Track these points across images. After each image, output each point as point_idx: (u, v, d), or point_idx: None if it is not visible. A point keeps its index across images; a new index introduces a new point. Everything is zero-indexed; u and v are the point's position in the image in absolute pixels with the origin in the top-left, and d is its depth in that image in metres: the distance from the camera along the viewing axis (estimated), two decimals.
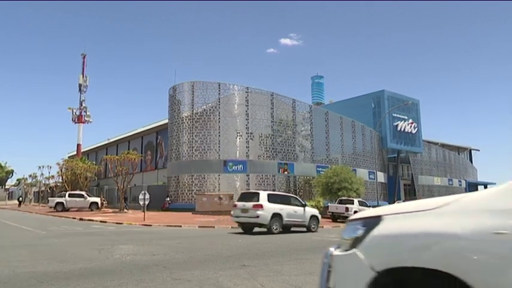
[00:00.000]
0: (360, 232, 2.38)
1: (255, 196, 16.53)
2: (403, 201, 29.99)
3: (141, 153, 46.97)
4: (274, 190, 34.40)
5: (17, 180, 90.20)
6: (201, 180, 33.97)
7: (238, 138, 34.66)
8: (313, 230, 18.00)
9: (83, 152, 60.44)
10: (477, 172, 67.71)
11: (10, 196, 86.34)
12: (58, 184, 52.38)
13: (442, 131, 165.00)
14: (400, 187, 50.55)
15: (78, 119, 56.65)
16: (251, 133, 34.85)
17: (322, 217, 29.34)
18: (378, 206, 25.18)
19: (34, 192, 69.11)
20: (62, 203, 35.17)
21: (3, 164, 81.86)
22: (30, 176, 64.65)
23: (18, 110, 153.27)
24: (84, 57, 57.71)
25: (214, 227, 19.89)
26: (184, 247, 10.51)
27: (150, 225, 20.18)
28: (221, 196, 31.09)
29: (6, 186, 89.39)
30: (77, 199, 35.52)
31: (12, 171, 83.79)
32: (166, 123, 39.13)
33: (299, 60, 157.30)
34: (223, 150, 34.15)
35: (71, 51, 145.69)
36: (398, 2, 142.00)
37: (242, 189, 33.07)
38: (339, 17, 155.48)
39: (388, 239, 2.25)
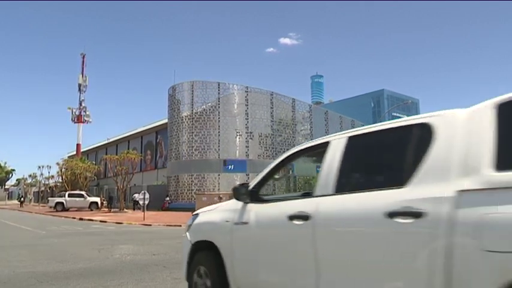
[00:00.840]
0: (190, 221, 4.37)
1: None
2: None
3: (141, 152, 46.93)
4: (274, 190, 34.45)
5: (17, 180, 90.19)
6: (201, 180, 33.97)
7: (237, 138, 34.66)
8: None
9: (83, 151, 60.42)
10: None
11: (10, 196, 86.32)
12: (58, 184, 52.39)
13: None
14: None
15: (78, 119, 56.64)
16: (251, 132, 34.85)
17: None
18: None
19: (34, 192, 69.08)
20: (62, 202, 35.17)
21: (2, 164, 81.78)
22: (29, 176, 64.72)
23: (18, 110, 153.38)
24: (84, 57, 57.77)
25: None
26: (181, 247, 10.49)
27: (150, 225, 20.17)
28: (221, 196, 31.03)
29: (6, 186, 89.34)
30: (77, 199, 35.53)
31: (12, 171, 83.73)
32: (166, 123, 39.11)
33: (299, 60, 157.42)
34: (223, 149, 34.15)
35: (71, 51, 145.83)
36: (398, 2, 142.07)
37: None
38: (339, 17, 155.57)
39: (197, 225, 4.22)
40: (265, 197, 3.79)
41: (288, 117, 37.12)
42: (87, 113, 56.98)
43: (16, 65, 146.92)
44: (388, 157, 2.87)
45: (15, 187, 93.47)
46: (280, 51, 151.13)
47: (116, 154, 41.13)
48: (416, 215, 2.21)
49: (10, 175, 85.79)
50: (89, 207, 34.96)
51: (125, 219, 23.51)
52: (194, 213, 4.52)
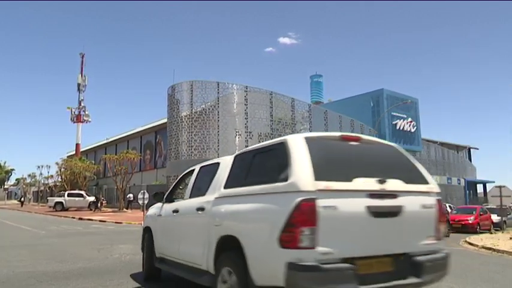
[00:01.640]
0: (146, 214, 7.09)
1: None
2: None
3: (140, 152, 46.89)
4: None
5: (16, 180, 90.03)
6: None
7: (237, 137, 34.64)
8: None
9: (82, 151, 60.32)
10: (476, 171, 67.76)
11: (9, 196, 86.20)
12: (57, 184, 52.32)
13: (441, 129, 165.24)
14: None
15: (77, 119, 56.54)
16: (250, 132, 34.83)
17: None
18: None
19: (33, 192, 69.00)
20: (61, 202, 35.16)
21: (2, 164, 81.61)
22: (29, 175, 64.54)
23: (17, 110, 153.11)
24: (83, 56, 57.68)
25: None
26: None
27: None
28: None
29: (5, 186, 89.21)
30: (76, 198, 35.51)
31: (11, 171, 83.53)
32: (165, 123, 39.08)
33: (298, 59, 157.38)
34: (222, 149, 34.13)
35: (70, 50, 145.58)
36: (398, 2, 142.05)
37: None
38: (338, 16, 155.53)
39: (146, 217, 7.07)
40: (175, 199, 6.00)
41: (287, 116, 37.10)
42: (86, 112, 56.89)
43: (15, 65, 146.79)
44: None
45: (15, 187, 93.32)
46: (279, 50, 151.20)
47: (115, 154, 41.07)
48: (203, 209, 4.60)
49: (10, 175, 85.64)
50: (88, 206, 34.95)
51: (125, 219, 23.53)
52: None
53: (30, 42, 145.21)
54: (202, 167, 5.49)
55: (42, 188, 62.08)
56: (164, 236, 5.78)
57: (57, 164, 49.13)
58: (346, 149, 3.79)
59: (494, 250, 11.21)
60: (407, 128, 47.04)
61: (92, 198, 36.70)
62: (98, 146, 65.11)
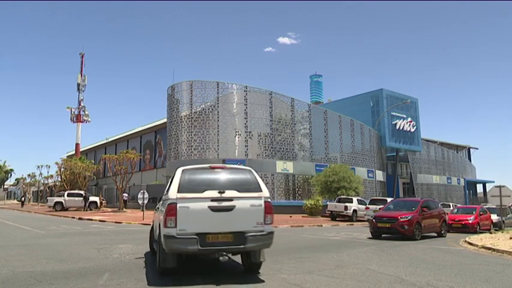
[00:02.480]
0: None
1: None
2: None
3: (140, 152, 46.91)
4: (273, 189, 34.46)
5: (16, 180, 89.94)
6: None
7: (237, 137, 34.63)
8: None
9: (82, 151, 60.30)
10: (476, 170, 67.79)
11: (9, 196, 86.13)
12: (57, 183, 52.27)
13: (440, 129, 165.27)
14: (398, 186, 50.55)
15: (77, 119, 56.42)
16: (250, 132, 34.82)
17: (322, 216, 29.58)
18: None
19: (33, 191, 68.97)
20: (61, 202, 35.11)
21: (2, 164, 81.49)
22: (28, 175, 64.40)
23: (17, 110, 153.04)
24: (83, 56, 57.46)
25: None
26: None
27: (149, 225, 20.09)
28: None
29: (5, 186, 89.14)
30: (76, 198, 35.47)
31: (11, 171, 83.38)
32: (165, 123, 39.08)
33: (297, 59, 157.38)
34: (222, 149, 34.13)
35: (70, 50, 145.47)
36: (397, 2, 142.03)
37: None
38: (337, 16, 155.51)
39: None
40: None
41: (287, 116, 37.06)
42: (86, 112, 56.74)
43: (15, 65, 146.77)
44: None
45: (14, 187, 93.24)
46: (279, 50, 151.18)
47: (115, 154, 41.05)
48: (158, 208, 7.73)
49: (9, 175, 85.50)
50: (88, 206, 34.93)
51: (124, 219, 23.50)
52: None
53: (30, 42, 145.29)
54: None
55: (42, 188, 62.01)
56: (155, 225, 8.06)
57: (57, 164, 49.04)
58: (209, 174, 6.69)
59: (494, 250, 11.20)
60: (407, 127, 47.03)
61: (93, 198, 36.65)
62: (97, 146, 65.14)
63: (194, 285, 5.99)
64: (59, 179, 49.70)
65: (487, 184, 64.55)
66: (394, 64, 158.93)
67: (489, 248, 11.53)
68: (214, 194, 6.23)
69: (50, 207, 36.19)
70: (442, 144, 60.35)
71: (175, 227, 6.00)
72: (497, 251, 11.03)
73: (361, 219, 26.29)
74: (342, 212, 26.94)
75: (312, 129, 38.35)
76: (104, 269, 7.36)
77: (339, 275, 7.03)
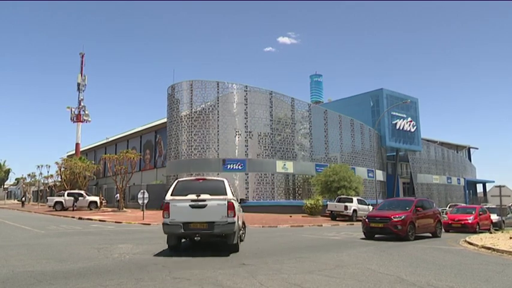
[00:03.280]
0: None
1: None
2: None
3: (140, 152, 46.87)
4: (273, 189, 34.48)
5: (16, 179, 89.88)
6: None
7: (237, 137, 34.62)
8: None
9: (82, 151, 60.27)
10: (476, 170, 67.78)
11: (9, 196, 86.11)
12: (57, 183, 52.25)
13: (440, 129, 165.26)
14: (398, 185, 50.55)
15: (77, 118, 56.38)
16: (250, 132, 34.81)
17: (322, 215, 29.59)
18: (376, 204, 25.23)
19: (33, 191, 68.97)
20: (61, 202, 35.11)
21: (2, 163, 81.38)
22: (29, 175, 64.38)
23: (17, 110, 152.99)
24: (83, 56, 57.40)
25: None
26: (183, 246, 10.50)
27: (149, 224, 20.16)
28: None
29: (5, 186, 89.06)
30: (78, 198, 35.42)
31: (9, 171, 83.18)
32: (165, 122, 39.06)
33: (297, 59, 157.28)
34: (222, 149, 34.12)
35: (70, 50, 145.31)
36: (397, 2, 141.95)
37: (241, 188, 33.07)
38: (337, 16, 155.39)
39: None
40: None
41: (287, 116, 37.05)
42: (86, 112, 56.69)
43: (15, 65, 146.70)
44: None
45: (14, 186, 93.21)
46: (278, 50, 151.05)
47: (115, 153, 41.01)
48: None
49: (8, 174, 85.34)
50: (88, 206, 34.92)
51: (124, 219, 23.50)
52: None
53: (30, 42, 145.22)
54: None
55: (42, 188, 62.01)
56: None
57: (57, 163, 49.04)
58: (194, 183, 9.89)
59: (494, 250, 11.20)
60: (407, 127, 47.03)
61: (93, 198, 36.63)
62: (97, 146, 65.11)
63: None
64: (59, 179, 49.68)
65: (487, 184, 64.53)
66: (394, 64, 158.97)
67: (489, 248, 11.52)
68: (193, 196, 9.20)
69: (50, 207, 36.18)
70: (442, 144, 60.33)
71: (169, 217, 9.10)
72: (497, 250, 11.02)
73: (361, 219, 26.25)
74: (342, 211, 26.96)
75: (312, 129, 38.35)
76: (104, 269, 7.35)
77: (339, 275, 7.03)
